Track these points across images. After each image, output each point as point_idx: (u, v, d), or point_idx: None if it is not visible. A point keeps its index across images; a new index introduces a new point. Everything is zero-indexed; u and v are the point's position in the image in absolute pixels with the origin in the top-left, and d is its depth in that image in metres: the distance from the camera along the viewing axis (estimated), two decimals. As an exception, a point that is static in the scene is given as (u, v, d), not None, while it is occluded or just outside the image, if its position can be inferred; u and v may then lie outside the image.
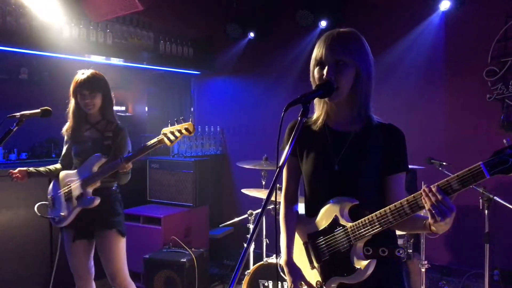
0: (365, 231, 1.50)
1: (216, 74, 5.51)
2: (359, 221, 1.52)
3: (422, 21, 3.99)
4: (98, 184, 2.74)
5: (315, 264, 1.64)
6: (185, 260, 3.65)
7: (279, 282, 3.03)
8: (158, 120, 5.84)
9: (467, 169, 1.28)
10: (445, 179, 1.33)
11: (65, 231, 2.85)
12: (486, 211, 3.02)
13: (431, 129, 3.95)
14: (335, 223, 1.57)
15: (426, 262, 3.13)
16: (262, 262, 3.12)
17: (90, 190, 2.73)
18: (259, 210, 3.75)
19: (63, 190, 2.82)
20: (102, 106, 2.83)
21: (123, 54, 4.54)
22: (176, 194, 4.56)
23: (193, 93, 5.78)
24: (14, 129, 2.45)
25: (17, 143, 4.18)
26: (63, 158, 2.98)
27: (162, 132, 2.64)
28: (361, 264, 1.51)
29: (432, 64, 4.04)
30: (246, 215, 3.61)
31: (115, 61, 4.61)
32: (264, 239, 3.54)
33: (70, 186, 2.78)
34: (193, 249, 3.84)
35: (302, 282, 1.66)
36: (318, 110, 1.68)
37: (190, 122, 2.57)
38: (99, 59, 4.45)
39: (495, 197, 2.96)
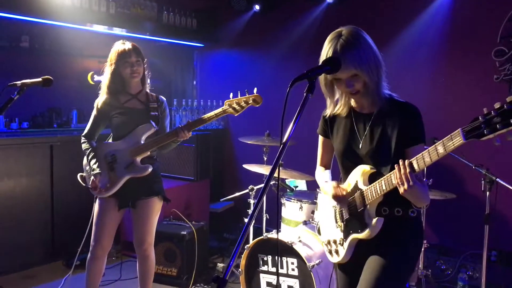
0: (375, 193, 1.73)
1: (219, 47, 5.42)
2: (371, 185, 1.74)
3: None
4: (147, 153, 2.78)
5: (339, 223, 1.92)
6: (185, 232, 3.68)
7: (278, 257, 3.05)
8: (160, 92, 5.74)
9: (448, 135, 1.46)
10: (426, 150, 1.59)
11: (102, 199, 2.82)
12: (487, 193, 3.02)
13: (436, 109, 3.90)
14: (355, 187, 1.83)
15: (424, 241, 3.15)
16: (261, 237, 3.14)
17: (139, 159, 2.76)
18: (260, 186, 3.76)
19: (106, 161, 2.79)
20: (142, 76, 2.87)
21: (126, 24, 4.47)
22: (178, 167, 4.56)
23: (196, 65, 5.71)
24: (15, 98, 2.42)
25: (19, 112, 4.15)
26: (90, 131, 2.90)
27: (226, 103, 2.68)
28: (371, 221, 1.75)
29: (440, 43, 3.96)
30: (247, 190, 3.62)
31: (118, 31, 4.54)
32: (264, 214, 3.56)
33: (115, 156, 2.77)
34: (193, 222, 3.86)
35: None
36: (343, 101, 1.87)
37: (257, 94, 2.64)
38: (102, 28, 4.39)
39: (497, 179, 2.95)
